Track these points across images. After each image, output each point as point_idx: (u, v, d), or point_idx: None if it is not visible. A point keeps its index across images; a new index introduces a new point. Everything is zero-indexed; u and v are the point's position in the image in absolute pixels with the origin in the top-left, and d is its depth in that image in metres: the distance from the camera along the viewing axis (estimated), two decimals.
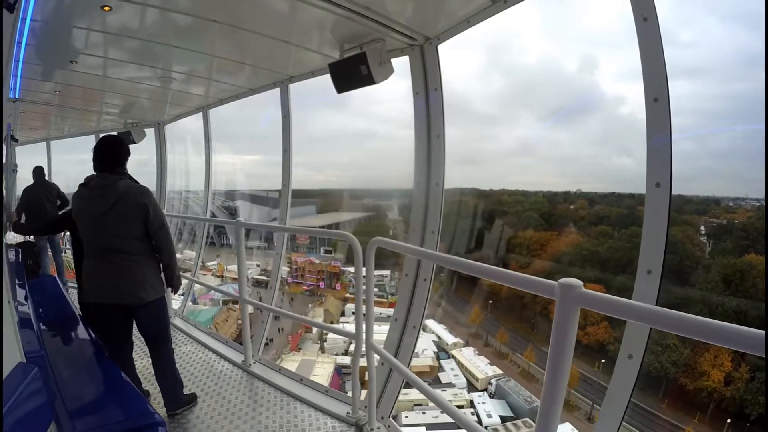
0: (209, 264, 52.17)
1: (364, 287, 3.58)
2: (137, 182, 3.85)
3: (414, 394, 35.02)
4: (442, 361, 40.11)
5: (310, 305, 47.20)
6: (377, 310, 45.78)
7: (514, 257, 47.61)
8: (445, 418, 31.39)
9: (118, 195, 3.52)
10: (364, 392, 4.07)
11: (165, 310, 4.04)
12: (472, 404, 35.40)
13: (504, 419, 33.51)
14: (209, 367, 5.17)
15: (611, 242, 44.75)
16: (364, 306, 3.68)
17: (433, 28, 4.12)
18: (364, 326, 3.68)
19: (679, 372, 34.44)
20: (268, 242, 57.41)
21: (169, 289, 4.01)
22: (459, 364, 39.76)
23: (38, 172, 8.40)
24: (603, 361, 37.12)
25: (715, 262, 39.21)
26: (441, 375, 38.95)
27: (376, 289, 47.42)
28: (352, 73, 4.26)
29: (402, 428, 3.90)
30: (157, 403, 4.06)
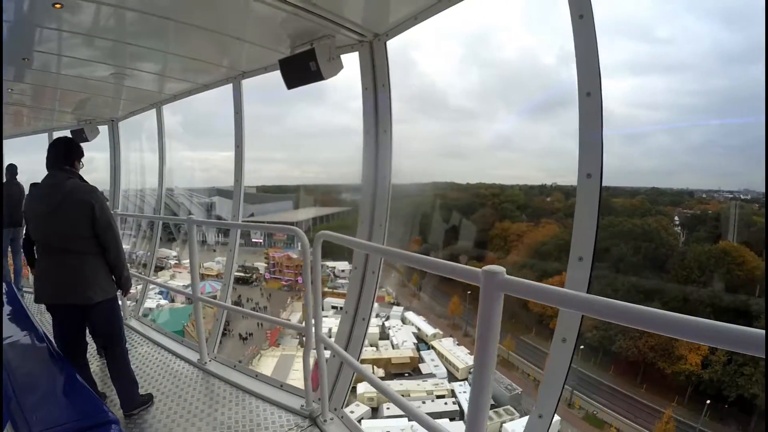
0: (185, 261, 51.81)
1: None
2: (86, 182, 3.84)
3: (395, 386, 35.27)
4: (422, 353, 40.51)
5: (288, 300, 47.06)
6: None
7: (491, 247, 48.45)
8: (428, 408, 31.71)
9: (64, 193, 3.53)
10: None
11: (117, 311, 4.03)
12: (453, 393, 35.74)
13: None
14: (165, 367, 5.15)
15: None
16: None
17: (382, 24, 4.15)
18: (313, 320, 3.74)
19: (656, 356, 35.24)
20: (245, 238, 57.55)
21: (120, 291, 4.02)
22: (439, 354, 40.21)
23: (12, 169, 8.06)
24: (581, 347, 37.84)
25: (689, 249, 40.37)
26: (421, 366, 39.31)
27: None
28: (301, 69, 4.29)
29: (379, 419, 3.94)
30: (114, 405, 4.03)
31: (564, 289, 1.67)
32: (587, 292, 2.60)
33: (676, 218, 44.71)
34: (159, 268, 52.20)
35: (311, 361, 4.02)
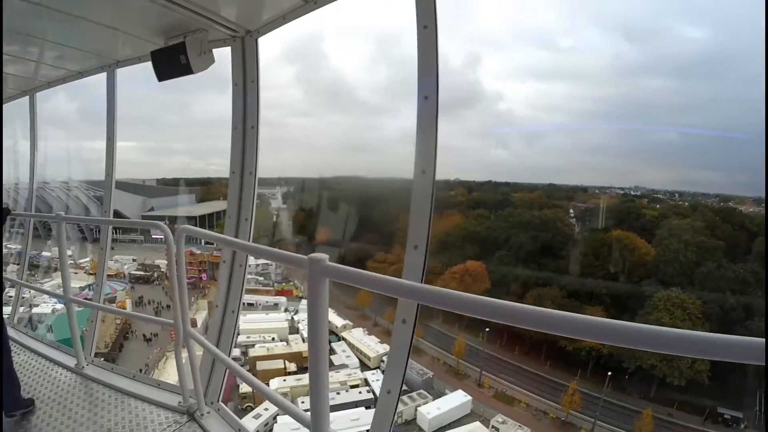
0: (81, 261, 48.65)
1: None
2: None
3: (308, 379, 35.16)
4: (333, 344, 40.67)
5: (193, 298, 45.32)
6: (263, 298, 45.59)
7: (397, 239, 49.66)
8: (343, 399, 32.01)
9: None
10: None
11: None
12: (366, 382, 36.23)
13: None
14: (43, 375, 4.93)
15: (488, 223, 48.42)
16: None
17: (254, 21, 4.22)
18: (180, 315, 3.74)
19: (557, 335, 37.68)
20: (145, 234, 54.87)
21: None
22: (350, 345, 40.63)
23: None
24: (487, 329, 39.68)
25: (584, 237, 43.80)
26: (333, 357, 39.44)
27: (261, 278, 47.13)
28: (172, 61, 4.28)
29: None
30: None
31: (382, 276, 1.81)
32: (422, 280, 2.83)
33: (571, 211, 48.35)
34: (54, 269, 48.67)
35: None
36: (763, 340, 1.05)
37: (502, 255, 45.57)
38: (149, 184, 65.27)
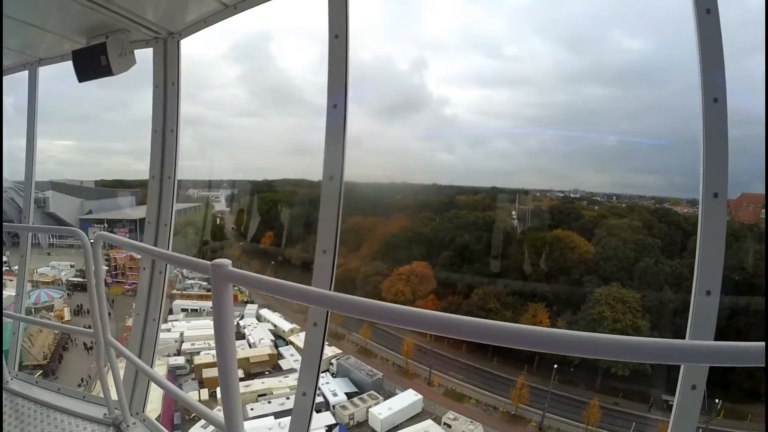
0: (15, 268, 45.95)
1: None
2: None
3: (256, 385, 34.64)
4: (280, 349, 40.15)
5: (134, 305, 43.77)
6: (207, 303, 44.38)
7: (343, 241, 49.91)
8: (293, 404, 31.54)
9: None
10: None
11: None
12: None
13: (350, 395, 34.47)
14: None
15: (434, 224, 49.41)
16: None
17: (177, 23, 4.18)
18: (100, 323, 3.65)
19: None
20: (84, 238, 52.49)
21: None
22: (298, 349, 40.07)
23: None
24: None
25: (527, 237, 45.26)
26: (281, 362, 38.90)
27: (204, 283, 45.95)
28: (92, 62, 4.16)
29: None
30: None
31: (287, 282, 1.84)
32: (331, 283, 2.90)
33: (514, 213, 49.94)
34: None
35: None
36: (763, 344, 1.09)
37: (448, 255, 46.53)
38: (87, 185, 62.65)
